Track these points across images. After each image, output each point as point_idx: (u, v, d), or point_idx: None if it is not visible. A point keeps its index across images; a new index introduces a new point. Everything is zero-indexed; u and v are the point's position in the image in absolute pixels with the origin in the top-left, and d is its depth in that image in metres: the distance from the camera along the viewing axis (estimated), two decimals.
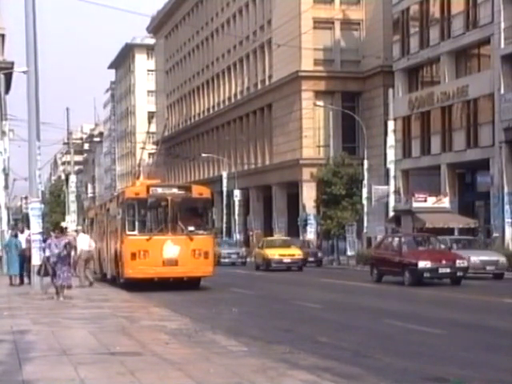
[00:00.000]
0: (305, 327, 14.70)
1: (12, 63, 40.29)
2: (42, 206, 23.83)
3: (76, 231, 33.16)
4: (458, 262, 25.32)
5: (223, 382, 8.51)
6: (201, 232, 24.52)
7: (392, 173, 43.74)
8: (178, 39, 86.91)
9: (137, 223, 24.52)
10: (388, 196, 43.93)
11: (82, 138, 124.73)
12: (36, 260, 21.34)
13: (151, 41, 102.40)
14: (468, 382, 9.08)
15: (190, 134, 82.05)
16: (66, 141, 66.34)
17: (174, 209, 24.30)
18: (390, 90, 45.49)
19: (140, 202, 24.69)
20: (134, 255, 23.79)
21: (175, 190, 25.32)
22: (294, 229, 54.97)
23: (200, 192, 25.28)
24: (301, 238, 51.39)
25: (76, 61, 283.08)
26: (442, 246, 27.72)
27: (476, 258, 28.57)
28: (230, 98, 71.19)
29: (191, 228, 24.36)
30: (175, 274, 24.00)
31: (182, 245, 23.96)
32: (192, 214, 25.20)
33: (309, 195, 52.65)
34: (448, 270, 25.14)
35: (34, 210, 22.28)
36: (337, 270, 41.07)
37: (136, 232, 24.24)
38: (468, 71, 43.39)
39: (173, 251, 23.83)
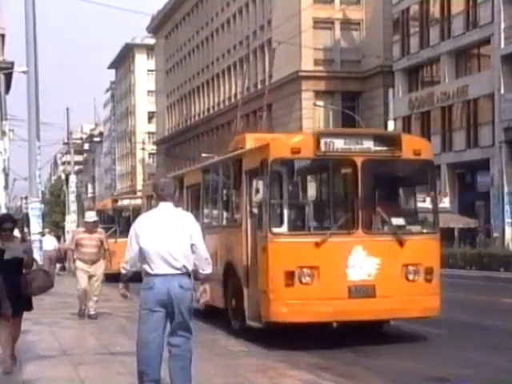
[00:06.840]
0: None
1: (12, 63, 40.29)
2: (42, 205, 23.75)
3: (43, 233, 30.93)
4: None
5: (223, 381, 8.50)
6: (418, 229, 12.53)
7: None
8: (177, 39, 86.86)
9: (292, 212, 12.29)
10: None
11: (82, 138, 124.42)
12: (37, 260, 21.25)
13: (151, 41, 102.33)
14: (468, 382, 9.09)
15: (190, 133, 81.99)
16: (66, 141, 66.19)
17: (367, 182, 12.03)
18: (390, 90, 45.46)
19: (301, 168, 12.42)
20: (290, 277, 11.34)
21: (369, 145, 11.94)
22: None
23: (417, 148, 12.23)
24: None
25: (76, 61, 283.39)
26: None
27: None
28: (230, 98, 71.13)
29: (399, 221, 12.32)
30: (370, 315, 11.75)
31: (384, 255, 11.68)
32: (403, 192, 13.35)
33: None
34: None
35: (34, 209, 22.20)
36: None
37: (288, 229, 11.84)
38: (468, 71, 43.40)
39: (366, 268, 11.53)
